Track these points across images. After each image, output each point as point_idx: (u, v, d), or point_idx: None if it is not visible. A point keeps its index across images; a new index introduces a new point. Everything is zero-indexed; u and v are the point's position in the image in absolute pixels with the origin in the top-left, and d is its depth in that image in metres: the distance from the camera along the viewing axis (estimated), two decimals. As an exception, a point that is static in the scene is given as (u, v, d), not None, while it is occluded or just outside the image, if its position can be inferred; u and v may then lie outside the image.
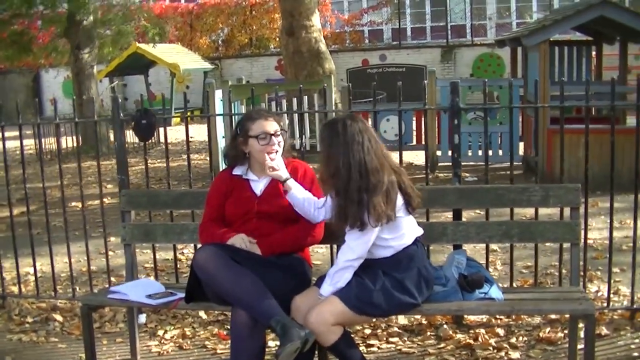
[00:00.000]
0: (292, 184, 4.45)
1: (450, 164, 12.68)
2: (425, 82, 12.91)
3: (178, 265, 6.24)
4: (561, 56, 13.34)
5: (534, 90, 5.43)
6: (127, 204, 5.28)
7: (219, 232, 4.53)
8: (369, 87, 6.12)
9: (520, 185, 4.97)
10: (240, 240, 4.40)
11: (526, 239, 4.87)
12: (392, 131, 13.76)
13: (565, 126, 5.46)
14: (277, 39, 30.18)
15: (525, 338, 5.25)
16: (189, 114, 24.61)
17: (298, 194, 4.41)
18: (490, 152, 12.96)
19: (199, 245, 4.70)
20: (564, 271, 5.62)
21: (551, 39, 11.63)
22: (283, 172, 4.46)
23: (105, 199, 11.27)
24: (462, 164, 13.11)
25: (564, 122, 5.41)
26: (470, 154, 13.38)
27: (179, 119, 23.82)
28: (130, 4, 20.09)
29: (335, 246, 5.07)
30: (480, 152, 12.96)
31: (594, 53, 13.93)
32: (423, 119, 13.39)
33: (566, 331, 5.18)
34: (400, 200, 4.16)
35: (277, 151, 4.52)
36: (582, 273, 5.19)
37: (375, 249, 4.19)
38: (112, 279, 6.46)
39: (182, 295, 4.51)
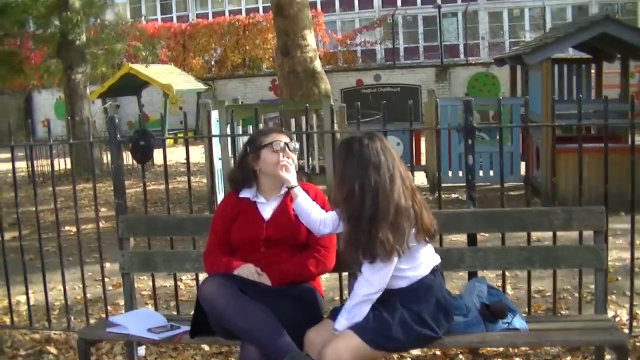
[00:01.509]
0: (299, 191, 4.18)
1: (452, 184, 12.44)
2: (425, 101, 12.85)
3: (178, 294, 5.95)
4: (561, 74, 13.15)
5: (547, 108, 5.19)
6: (125, 230, 4.98)
7: (224, 260, 4.26)
8: (364, 107, 5.86)
9: (541, 208, 4.72)
10: (247, 271, 4.12)
11: (549, 264, 4.59)
12: (391, 151, 13.49)
13: (570, 145, 5.19)
14: (271, 59, 30.07)
15: (545, 368, 5.01)
16: (184, 135, 24.40)
17: (304, 203, 4.14)
18: (491, 172, 12.78)
19: (201, 276, 4.42)
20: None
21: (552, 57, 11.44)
22: (293, 178, 4.20)
23: (99, 223, 11.05)
24: (459, 185, 12.90)
25: (570, 141, 5.16)
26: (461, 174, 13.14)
27: (172, 141, 23.61)
28: (123, 22, 19.91)
29: (345, 275, 4.81)
30: (481, 172, 12.73)
31: (592, 71, 13.76)
32: (424, 139, 13.24)
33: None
34: (414, 229, 3.88)
35: (291, 164, 4.27)
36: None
37: (392, 279, 3.89)
38: (109, 307, 6.18)
39: (186, 328, 4.23)
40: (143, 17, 33.30)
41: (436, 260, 4.07)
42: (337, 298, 5.47)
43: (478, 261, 4.50)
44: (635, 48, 11.29)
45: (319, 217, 4.12)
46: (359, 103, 5.41)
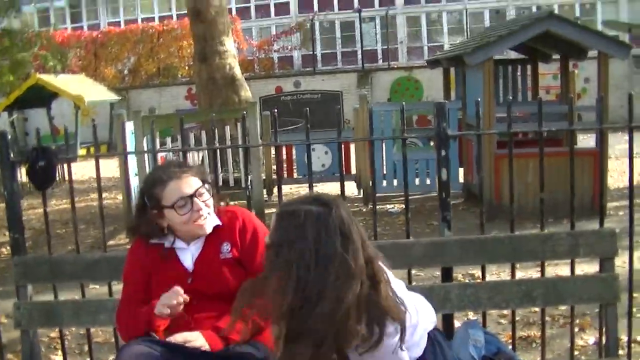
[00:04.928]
0: None
1: (385, 194, 11.59)
2: (355, 107, 12.05)
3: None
4: (496, 75, 12.47)
5: (489, 112, 4.36)
6: (22, 277, 3.90)
7: (143, 312, 3.23)
8: (285, 115, 4.96)
9: (542, 232, 3.85)
10: (179, 337, 3.13)
11: (553, 301, 3.71)
12: (318, 162, 12.73)
13: (514, 150, 4.31)
14: (186, 68, 29.18)
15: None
16: (95, 152, 23.21)
17: None
18: (427, 181, 11.97)
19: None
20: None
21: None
22: None
23: (3, 249, 9.91)
24: (392, 194, 12.07)
25: (514, 145, 4.30)
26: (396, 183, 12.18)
27: (84, 153, 22.38)
28: (29, 31, 18.71)
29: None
30: (417, 181, 11.92)
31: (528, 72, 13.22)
32: (353, 146, 12.43)
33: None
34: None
35: (208, 214, 3.32)
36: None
37: None
38: (10, 356, 5.15)
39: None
40: (52, 26, 31.82)
41: (429, 324, 3.00)
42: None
43: (468, 300, 3.59)
44: (576, 47, 10.79)
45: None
46: (275, 111, 4.49)
